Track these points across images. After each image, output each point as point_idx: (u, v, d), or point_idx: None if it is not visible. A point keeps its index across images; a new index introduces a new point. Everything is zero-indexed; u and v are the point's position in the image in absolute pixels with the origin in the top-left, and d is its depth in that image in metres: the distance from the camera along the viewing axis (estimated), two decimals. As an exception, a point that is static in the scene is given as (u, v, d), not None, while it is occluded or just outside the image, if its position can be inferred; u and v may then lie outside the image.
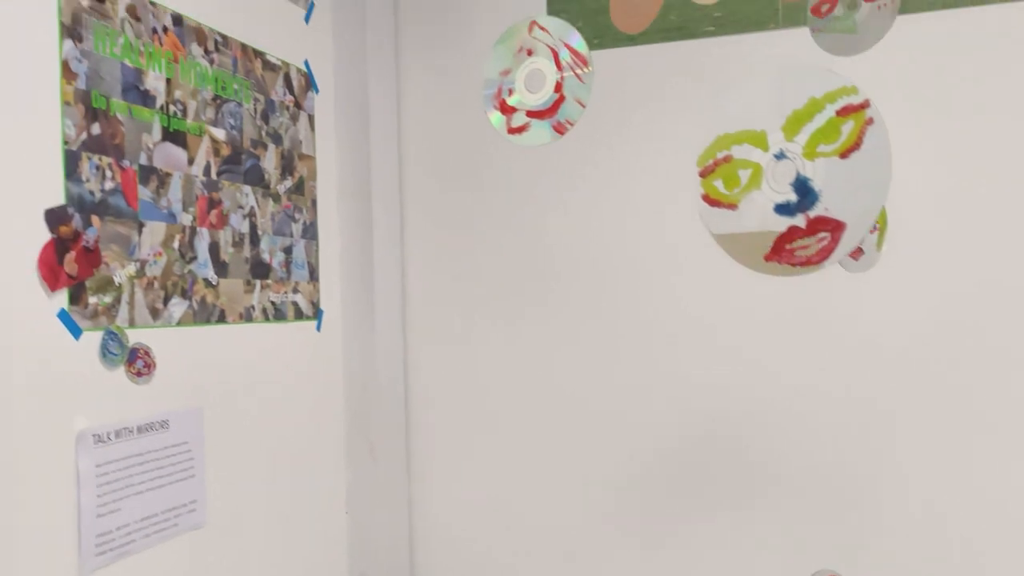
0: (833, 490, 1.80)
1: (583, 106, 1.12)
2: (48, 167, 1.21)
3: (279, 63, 1.76)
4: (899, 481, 1.77)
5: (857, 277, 1.69)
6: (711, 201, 1.00)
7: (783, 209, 1.00)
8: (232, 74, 1.61)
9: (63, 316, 1.22)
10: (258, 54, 1.70)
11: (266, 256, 1.70)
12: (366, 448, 1.96)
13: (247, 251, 1.64)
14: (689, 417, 1.89)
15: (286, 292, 1.76)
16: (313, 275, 1.86)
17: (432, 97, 2.05)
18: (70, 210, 1.23)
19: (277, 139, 1.75)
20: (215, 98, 1.56)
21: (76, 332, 1.24)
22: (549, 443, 2.00)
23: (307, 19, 1.88)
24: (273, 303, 1.72)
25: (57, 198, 1.22)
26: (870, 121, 1.01)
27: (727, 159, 1.09)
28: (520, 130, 1.14)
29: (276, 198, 1.74)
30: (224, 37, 1.60)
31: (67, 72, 1.24)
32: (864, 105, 1.03)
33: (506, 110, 1.14)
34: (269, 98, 1.73)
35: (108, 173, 1.31)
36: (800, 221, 1.02)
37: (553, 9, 1.99)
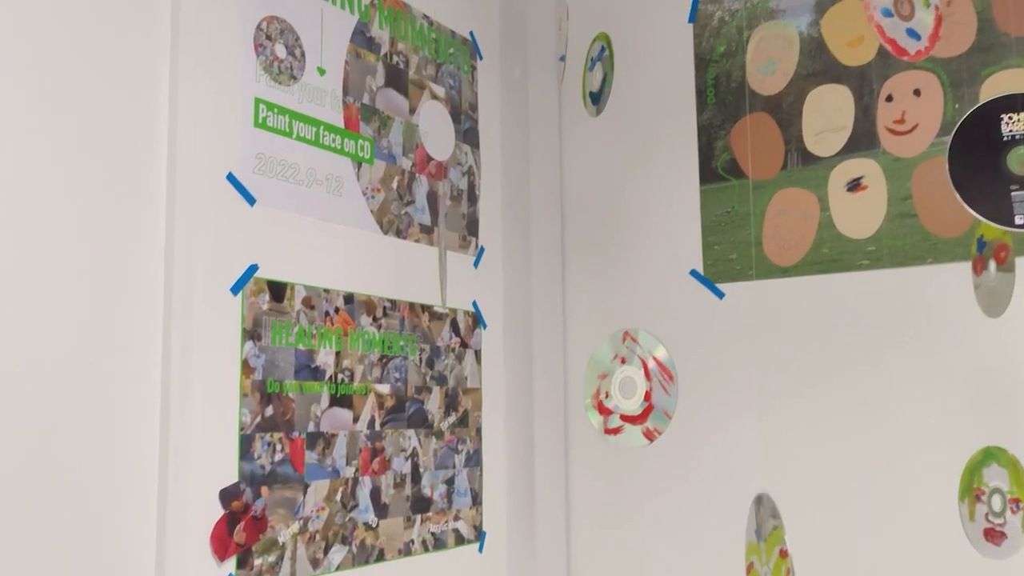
0: None
1: (669, 417, 1.19)
2: (225, 451, 1.45)
3: (446, 311, 1.97)
4: None
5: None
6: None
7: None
8: (399, 333, 1.84)
9: (230, 580, 1.44)
10: (425, 308, 1.91)
11: (427, 491, 1.87)
12: (525, 667, 2.04)
13: (408, 490, 1.82)
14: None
15: (447, 521, 1.92)
16: (476, 500, 2.01)
17: (594, 327, 2.17)
18: (242, 486, 1.47)
19: (442, 380, 1.94)
20: (382, 358, 1.78)
21: (241, 592, 1.45)
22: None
23: (476, 264, 2.09)
24: (433, 534, 1.88)
25: (231, 477, 1.46)
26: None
27: (751, 566, 1.12)
28: (615, 431, 1.22)
29: (439, 435, 1.92)
30: (393, 302, 1.83)
31: (246, 368, 1.50)
32: (784, 552, 1.05)
33: (603, 411, 1.24)
34: (435, 345, 1.93)
35: (278, 446, 1.54)
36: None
37: (707, 243, 2.06)
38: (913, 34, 1.29)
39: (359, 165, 1.77)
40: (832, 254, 1.93)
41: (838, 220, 1.93)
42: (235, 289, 1.49)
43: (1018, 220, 1.12)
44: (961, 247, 1.79)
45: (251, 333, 1.51)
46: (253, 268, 1.52)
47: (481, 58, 2.17)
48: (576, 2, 2.25)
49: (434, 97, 1.99)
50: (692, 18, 2.14)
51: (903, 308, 1.83)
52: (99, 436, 1.29)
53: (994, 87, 1.79)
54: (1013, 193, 1.12)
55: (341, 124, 1.73)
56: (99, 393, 1.30)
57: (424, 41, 1.98)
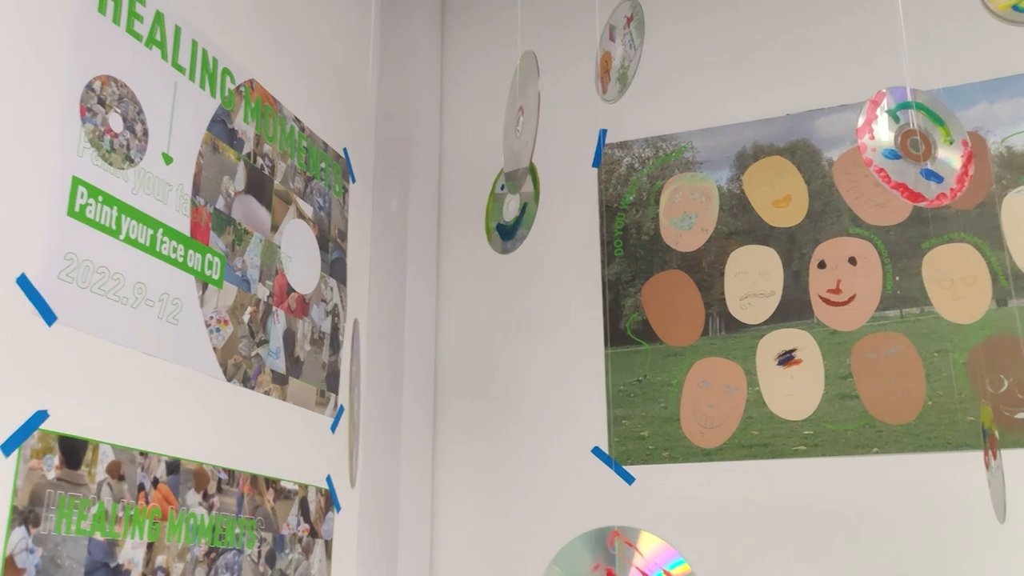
0: None
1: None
2: None
3: (296, 487, 1.50)
4: None
5: None
6: None
7: None
8: (235, 516, 1.35)
9: None
10: (271, 483, 1.44)
11: None
12: None
13: None
14: None
15: None
16: None
17: (473, 516, 1.77)
18: None
19: (283, 583, 1.45)
20: (209, 552, 1.28)
21: None
22: None
23: (334, 427, 1.65)
24: None
25: None
26: None
27: None
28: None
29: (274, 661, 1.40)
30: (231, 473, 1.35)
31: (11, 569, 0.97)
32: None
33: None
34: (279, 534, 1.45)
35: None
36: None
37: (614, 416, 1.74)
38: (932, 175, 1.09)
39: (205, 286, 1.33)
40: (763, 437, 1.66)
41: (769, 397, 1.67)
42: (8, 447, 0.99)
43: None
44: (911, 436, 1.57)
45: (25, 515, 1.00)
46: (40, 416, 1.03)
47: (354, 180, 1.82)
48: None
49: (301, 215, 1.61)
50: (596, 162, 1.91)
51: (847, 503, 1.57)
52: None
53: (936, 260, 1.64)
54: None
55: (187, 231, 1.30)
56: None
57: (294, 148, 1.61)
